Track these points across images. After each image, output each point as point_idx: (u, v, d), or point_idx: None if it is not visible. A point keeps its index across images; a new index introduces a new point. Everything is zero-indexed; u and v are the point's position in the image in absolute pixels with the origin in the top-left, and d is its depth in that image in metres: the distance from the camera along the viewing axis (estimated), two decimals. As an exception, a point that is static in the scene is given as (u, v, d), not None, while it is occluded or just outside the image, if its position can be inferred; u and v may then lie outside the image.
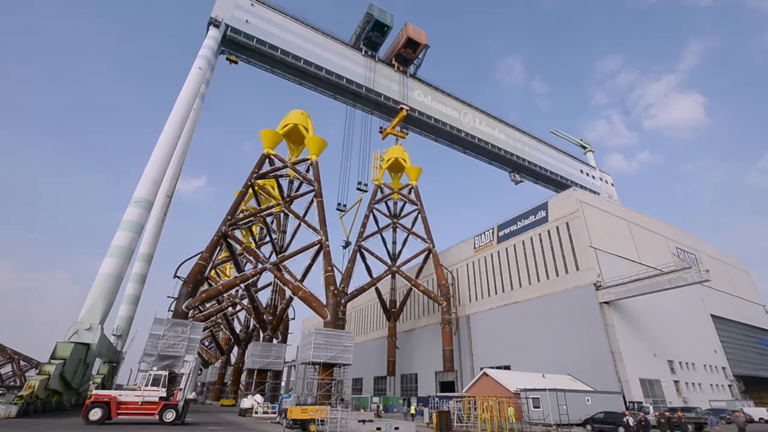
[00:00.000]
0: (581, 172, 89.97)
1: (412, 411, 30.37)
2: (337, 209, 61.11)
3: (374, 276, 64.29)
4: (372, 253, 64.39)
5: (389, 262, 67.15)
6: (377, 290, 68.07)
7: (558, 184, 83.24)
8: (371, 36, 60.43)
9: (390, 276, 68.74)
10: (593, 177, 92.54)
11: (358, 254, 62.16)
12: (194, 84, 44.81)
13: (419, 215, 67.55)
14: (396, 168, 74.05)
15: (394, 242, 70.61)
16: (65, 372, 28.07)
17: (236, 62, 53.17)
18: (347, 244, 61.97)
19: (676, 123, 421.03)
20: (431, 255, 62.57)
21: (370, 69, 60.53)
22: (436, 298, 57.58)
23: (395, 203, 73.22)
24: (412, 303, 71.47)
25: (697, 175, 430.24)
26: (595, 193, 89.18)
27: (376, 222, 69.11)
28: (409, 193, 70.54)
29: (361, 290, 60.48)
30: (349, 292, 56.39)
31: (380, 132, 63.79)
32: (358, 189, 60.97)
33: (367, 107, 61.55)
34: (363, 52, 61.23)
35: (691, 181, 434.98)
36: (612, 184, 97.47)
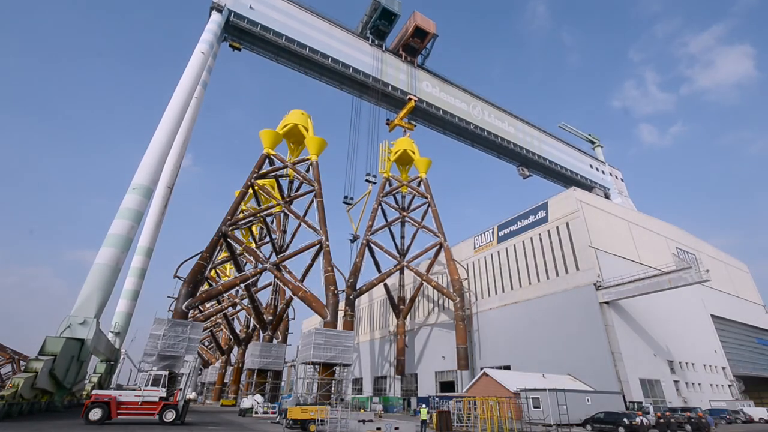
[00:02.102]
0: (590, 166, 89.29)
1: (424, 416, 26.24)
2: (344, 202, 59.95)
3: (383, 271, 61.63)
4: (381, 247, 61.79)
5: (397, 257, 64.37)
6: (386, 286, 65.78)
7: (567, 179, 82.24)
8: (378, 24, 59.56)
9: (398, 272, 65.93)
10: (603, 172, 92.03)
11: (367, 249, 59.64)
12: (196, 69, 43.59)
13: (429, 208, 64.95)
14: (404, 160, 71.27)
15: (403, 237, 68.48)
16: (55, 369, 25.86)
17: (239, 49, 52.30)
18: (355, 237, 60.19)
19: (722, 81, 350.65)
20: (443, 249, 60.01)
21: (377, 59, 59.41)
22: (449, 293, 55.39)
23: (403, 197, 70.91)
24: (415, 301, 70.21)
25: (736, 148, 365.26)
26: (605, 188, 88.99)
27: (385, 216, 66.45)
28: (419, 185, 68.09)
29: (371, 285, 58.08)
30: (357, 287, 54.67)
31: (387, 124, 62.47)
32: (367, 181, 59.50)
33: (374, 98, 60.49)
34: (370, 42, 60.24)
35: (728, 157, 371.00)
36: (622, 179, 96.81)
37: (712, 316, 54.54)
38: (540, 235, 50.10)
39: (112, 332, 44.00)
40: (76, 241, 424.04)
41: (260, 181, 58.88)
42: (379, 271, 63.10)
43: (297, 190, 62.48)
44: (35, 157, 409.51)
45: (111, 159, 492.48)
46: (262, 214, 57.88)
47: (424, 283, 62.72)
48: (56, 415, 27.47)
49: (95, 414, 22.01)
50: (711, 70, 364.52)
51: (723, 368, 50.79)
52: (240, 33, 51.36)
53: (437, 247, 61.56)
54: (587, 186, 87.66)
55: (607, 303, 40.43)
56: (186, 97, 41.73)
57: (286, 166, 55.87)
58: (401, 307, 67.24)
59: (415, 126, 65.26)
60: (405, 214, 67.19)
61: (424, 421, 25.41)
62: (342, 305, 49.82)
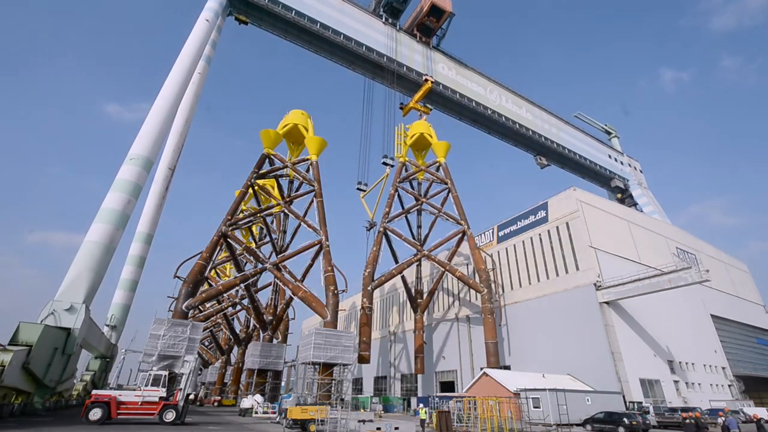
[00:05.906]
0: (609, 157, 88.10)
1: (423, 416, 26.11)
2: (358, 188, 57.82)
3: (400, 261, 57.31)
4: (400, 235, 56.92)
5: (418, 245, 59.09)
6: (403, 278, 61.58)
7: (586, 169, 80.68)
8: (392, 2, 57.77)
9: (416, 264, 61.23)
10: (621, 163, 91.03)
11: (384, 237, 55.54)
12: (200, 38, 41.05)
13: (449, 194, 59.66)
14: (421, 145, 65.39)
15: (419, 226, 64.36)
16: (31, 363, 21.11)
17: (246, 23, 50.64)
18: (371, 225, 57.28)
19: None
20: (466, 237, 55.10)
21: (391, 38, 57.44)
22: (476, 285, 50.84)
23: (419, 184, 66.13)
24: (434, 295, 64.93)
25: None
26: (624, 179, 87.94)
27: (402, 203, 62.44)
28: (437, 170, 63.17)
29: (389, 275, 53.82)
30: (375, 278, 51.11)
31: (401, 108, 60.21)
32: (384, 164, 57.08)
33: (388, 80, 58.41)
34: (383, 20, 58.27)
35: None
36: (641, 171, 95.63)
37: (712, 316, 54.53)
38: (540, 235, 50.09)
39: (107, 326, 41.15)
40: (36, 221, 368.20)
41: (260, 181, 58.82)
42: (396, 261, 58.81)
43: (297, 190, 62.46)
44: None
45: (68, 115, 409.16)
46: (262, 214, 57.85)
47: (444, 275, 59.01)
48: (34, 420, 22.55)
49: (95, 414, 22.07)
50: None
51: (723, 368, 50.78)
52: (247, 6, 49.41)
53: (459, 236, 56.29)
54: (606, 177, 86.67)
55: (607, 303, 40.44)
56: (190, 63, 39.23)
57: (286, 166, 55.87)
58: (419, 300, 61.96)
59: (431, 110, 62.85)
60: (423, 200, 61.57)
61: (423, 420, 25.46)
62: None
